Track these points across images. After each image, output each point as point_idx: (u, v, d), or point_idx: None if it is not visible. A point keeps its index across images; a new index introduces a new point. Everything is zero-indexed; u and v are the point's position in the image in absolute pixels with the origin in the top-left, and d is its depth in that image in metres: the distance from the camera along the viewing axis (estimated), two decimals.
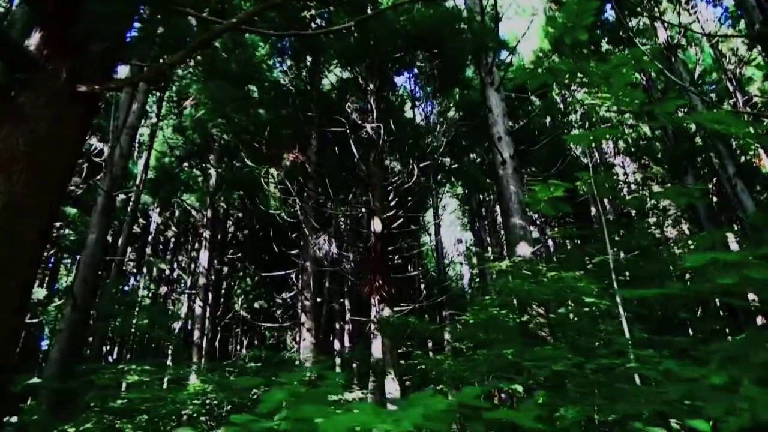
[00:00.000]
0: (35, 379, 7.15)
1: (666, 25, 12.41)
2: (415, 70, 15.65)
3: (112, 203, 9.03)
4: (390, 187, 10.29)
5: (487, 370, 5.20)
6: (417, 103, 18.49)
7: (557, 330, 8.25)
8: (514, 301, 6.97)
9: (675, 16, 13.66)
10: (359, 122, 9.92)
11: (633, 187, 17.49)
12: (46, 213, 2.98)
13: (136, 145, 14.74)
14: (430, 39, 8.82)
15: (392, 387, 8.97)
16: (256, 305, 26.57)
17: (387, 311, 8.75)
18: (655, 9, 12.92)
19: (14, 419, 5.89)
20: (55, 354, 7.69)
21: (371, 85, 10.65)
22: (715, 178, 14.44)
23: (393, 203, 10.81)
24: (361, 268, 9.67)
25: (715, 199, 14.87)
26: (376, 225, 9.48)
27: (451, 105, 17.68)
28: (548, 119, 17.17)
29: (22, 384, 8.34)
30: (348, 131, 9.79)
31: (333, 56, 9.92)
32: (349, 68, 10.99)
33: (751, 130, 3.26)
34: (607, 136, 8.03)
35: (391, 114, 12.33)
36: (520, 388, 5.05)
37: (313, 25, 9.89)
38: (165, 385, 7.21)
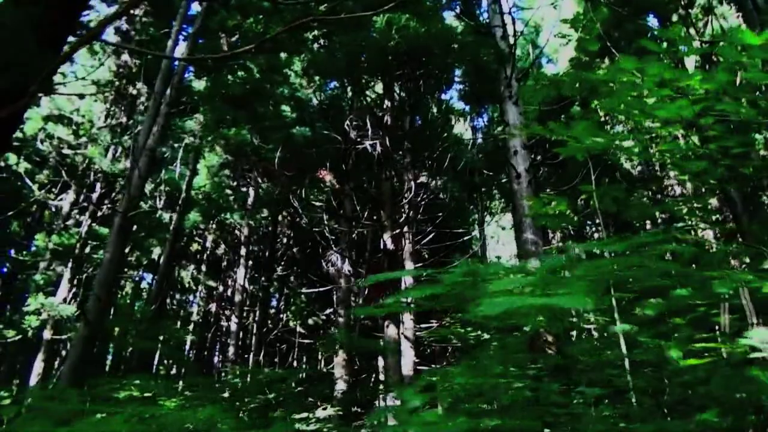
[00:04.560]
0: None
1: (699, 31, 11.80)
2: (458, 87, 15.57)
3: (129, 224, 9.36)
4: (402, 203, 10.18)
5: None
6: (460, 119, 18.33)
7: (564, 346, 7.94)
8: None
9: (719, 20, 12.94)
10: (357, 139, 9.92)
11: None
12: None
13: (177, 165, 15.26)
14: (423, 56, 8.73)
15: (392, 404, 8.80)
16: (310, 321, 26.79)
17: (392, 330, 8.61)
18: (689, 16, 12.28)
19: None
20: (66, 369, 8.03)
21: (386, 102, 10.66)
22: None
23: (414, 218, 10.68)
24: (365, 286, 9.58)
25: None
26: (386, 241, 9.41)
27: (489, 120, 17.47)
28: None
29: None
30: (346, 148, 9.83)
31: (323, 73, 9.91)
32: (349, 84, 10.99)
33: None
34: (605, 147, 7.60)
35: (415, 129, 12.24)
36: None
37: (315, 46, 10.06)
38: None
